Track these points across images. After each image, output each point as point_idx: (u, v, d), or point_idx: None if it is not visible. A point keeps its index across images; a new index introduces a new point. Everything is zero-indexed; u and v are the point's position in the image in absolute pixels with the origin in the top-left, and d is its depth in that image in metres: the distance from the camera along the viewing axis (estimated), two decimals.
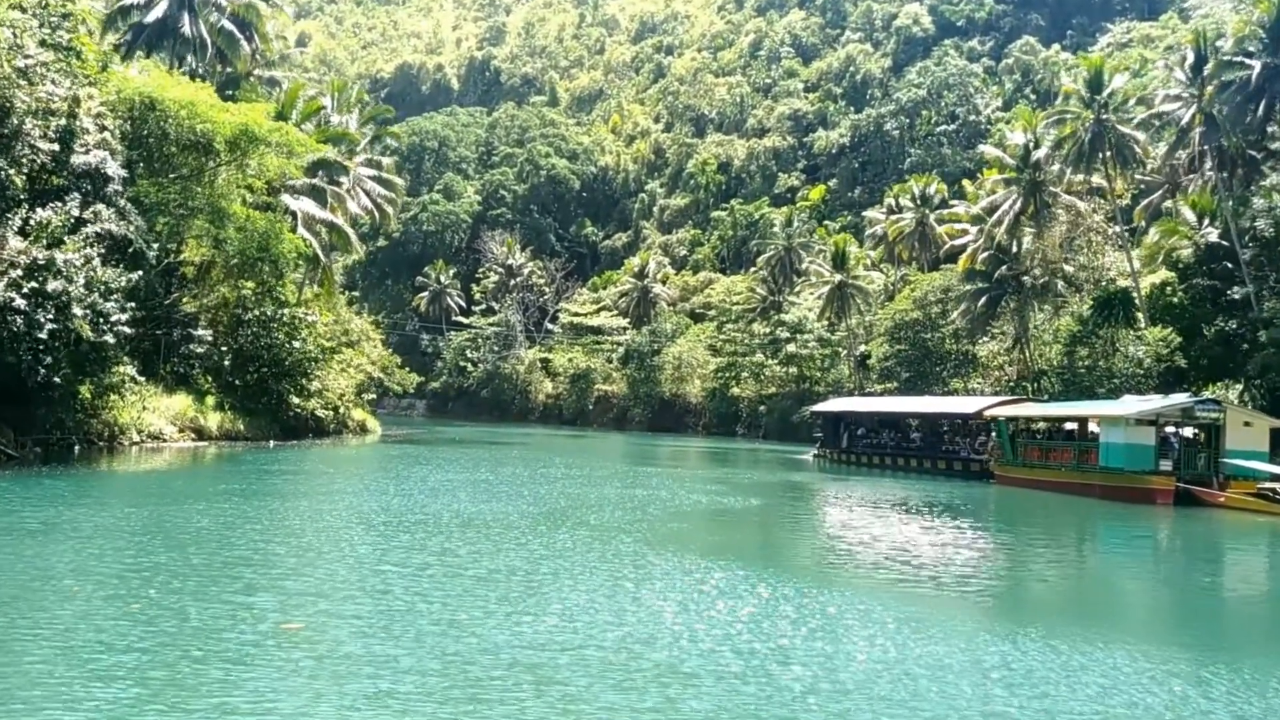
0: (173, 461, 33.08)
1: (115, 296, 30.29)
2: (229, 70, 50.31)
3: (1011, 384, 63.37)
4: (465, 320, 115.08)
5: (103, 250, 30.44)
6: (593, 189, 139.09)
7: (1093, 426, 36.03)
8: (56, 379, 29.37)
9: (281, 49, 66.38)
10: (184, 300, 45.31)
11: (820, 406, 60.40)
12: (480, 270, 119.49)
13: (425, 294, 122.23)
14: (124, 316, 30.36)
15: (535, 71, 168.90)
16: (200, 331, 45.18)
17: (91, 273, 29.53)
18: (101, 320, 29.78)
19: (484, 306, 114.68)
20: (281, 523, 17.94)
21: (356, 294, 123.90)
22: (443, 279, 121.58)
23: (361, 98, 64.55)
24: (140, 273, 31.67)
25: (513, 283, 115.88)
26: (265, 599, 11.52)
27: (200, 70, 45.79)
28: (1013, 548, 22.74)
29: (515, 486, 28.84)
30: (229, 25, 46.76)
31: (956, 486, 38.13)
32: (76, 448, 33.43)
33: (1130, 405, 33.61)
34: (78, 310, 28.45)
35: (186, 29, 44.71)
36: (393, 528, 18.27)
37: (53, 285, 27.64)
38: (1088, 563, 21.86)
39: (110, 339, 30.20)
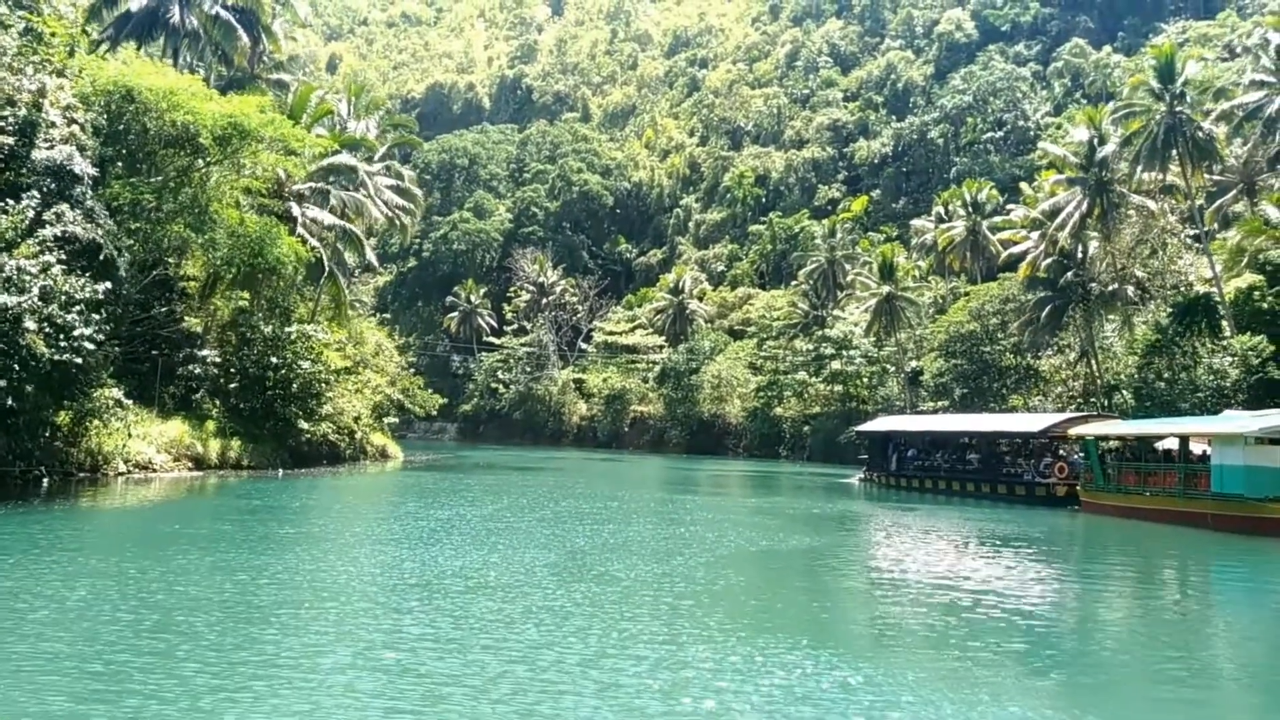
0: (151, 496, 29.30)
1: (79, 308, 26.64)
2: (234, 73, 46.85)
3: (1078, 400, 58.63)
4: (497, 341, 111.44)
5: (64, 257, 26.81)
6: (626, 205, 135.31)
7: (1196, 446, 31.44)
8: (11, 403, 25.69)
9: (292, 50, 62.82)
10: (184, 317, 41.88)
11: (866, 426, 56.01)
12: (512, 289, 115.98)
13: (455, 314, 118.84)
14: (89, 331, 26.63)
15: (567, 88, 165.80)
16: (204, 352, 41.72)
17: (50, 281, 25.91)
18: (62, 336, 26.13)
19: (516, 326, 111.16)
20: (194, 592, 13.63)
21: (388, 316, 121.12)
22: (473, 299, 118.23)
23: (380, 103, 60.89)
24: (109, 283, 27.91)
25: (545, 302, 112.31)
26: None
27: (198, 68, 42.32)
28: (1143, 606, 18.33)
29: (533, 524, 24.72)
30: (225, 15, 43.10)
31: (1030, 515, 33.51)
32: (45, 481, 29.81)
33: (1247, 422, 28.91)
34: (30, 324, 24.80)
35: (176, 17, 41.19)
36: (343, 596, 14.14)
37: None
38: (1242, 629, 17.34)
39: (75, 358, 26.51)
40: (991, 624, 13.93)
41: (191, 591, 13.58)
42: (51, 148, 28.42)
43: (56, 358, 25.85)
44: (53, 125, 28.91)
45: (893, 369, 76.73)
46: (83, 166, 28.82)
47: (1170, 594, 19.77)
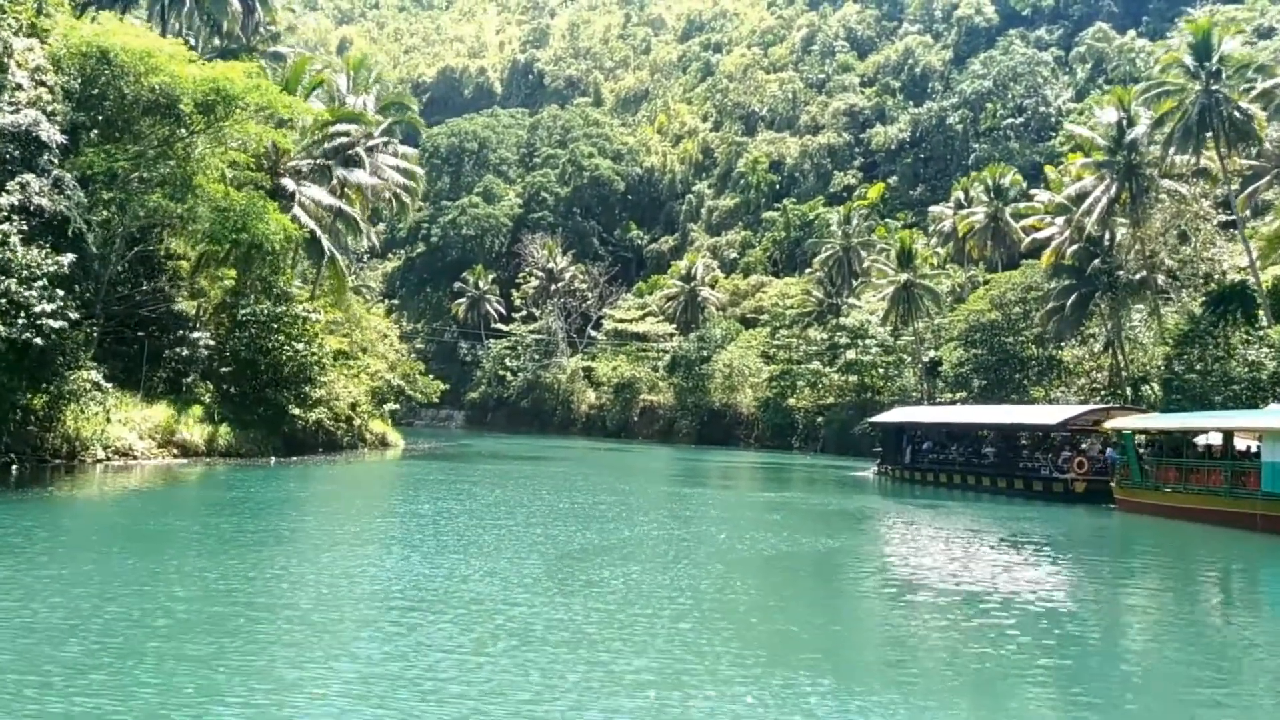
0: (124, 486, 27.44)
1: (41, 284, 24.75)
2: (226, 43, 44.89)
3: (1102, 392, 56.41)
4: (505, 327, 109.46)
5: (25, 228, 24.93)
6: (638, 191, 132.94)
7: (1240, 442, 29.33)
8: None
9: (292, 23, 60.67)
10: (176, 298, 40.03)
11: (880, 418, 53.98)
12: (520, 275, 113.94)
13: (463, 300, 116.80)
14: (50, 308, 24.73)
15: (579, 73, 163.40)
16: (196, 334, 39.87)
17: (8, 254, 24.05)
18: (22, 313, 24.26)
19: (524, 313, 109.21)
20: (94, 608, 11.40)
21: (395, 301, 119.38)
22: (481, 284, 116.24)
23: (381, 77, 58.64)
24: (73, 255, 26.00)
25: (554, 288, 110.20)
26: None
27: (187, 36, 40.33)
28: (1196, 621, 16.28)
29: (525, 522, 22.73)
30: None
31: (1054, 513, 31.44)
32: (15, 468, 28.03)
33: None
34: None
35: None
36: (275, 615, 11.79)
37: None
38: None
39: (35, 337, 24.62)
40: (1053, 657, 11.95)
41: (91, 607, 11.53)
42: (16, 111, 26.53)
43: (14, 337, 24.02)
44: (19, 88, 27.02)
45: (909, 359, 74.55)
46: (50, 133, 26.94)
47: (1223, 608, 17.73)
